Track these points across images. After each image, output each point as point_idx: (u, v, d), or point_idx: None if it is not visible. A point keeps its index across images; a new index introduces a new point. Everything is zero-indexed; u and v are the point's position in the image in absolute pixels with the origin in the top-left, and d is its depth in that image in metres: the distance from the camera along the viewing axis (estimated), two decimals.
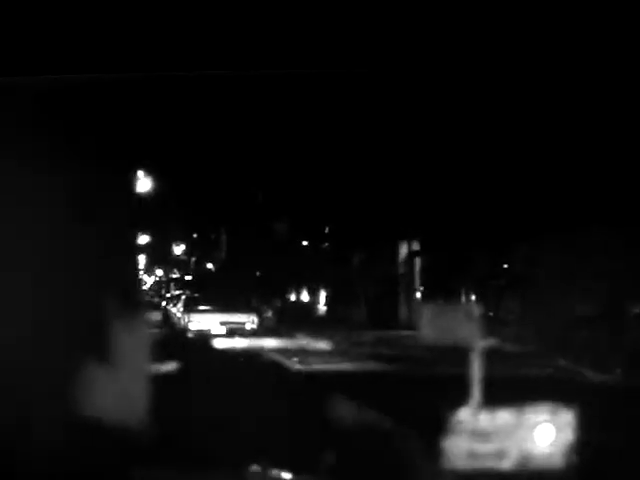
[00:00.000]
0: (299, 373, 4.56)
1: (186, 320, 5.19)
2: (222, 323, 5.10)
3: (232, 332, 5.06)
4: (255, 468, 3.88)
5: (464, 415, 3.94)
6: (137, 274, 4.92)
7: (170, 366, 4.24)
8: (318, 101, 4.01)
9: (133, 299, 4.53)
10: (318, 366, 4.56)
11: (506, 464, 3.92)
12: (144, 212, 4.85)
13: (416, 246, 4.95)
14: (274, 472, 3.90)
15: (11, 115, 3.68)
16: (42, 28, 3.37)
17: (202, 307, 5.23)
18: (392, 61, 3.52)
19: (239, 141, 4.40)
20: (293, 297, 5.20)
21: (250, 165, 4.59)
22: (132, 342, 4.10)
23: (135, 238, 4.83)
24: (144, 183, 4.66)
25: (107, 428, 3.79)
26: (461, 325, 4.16)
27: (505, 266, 4.79)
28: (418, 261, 4.91)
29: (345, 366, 4.53)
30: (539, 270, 4.63)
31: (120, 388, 3.88)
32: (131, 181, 4.42)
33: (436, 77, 3.69)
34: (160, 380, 4.15)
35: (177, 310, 5.31)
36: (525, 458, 3.94)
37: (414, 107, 4.06)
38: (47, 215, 3.77)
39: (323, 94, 3.91)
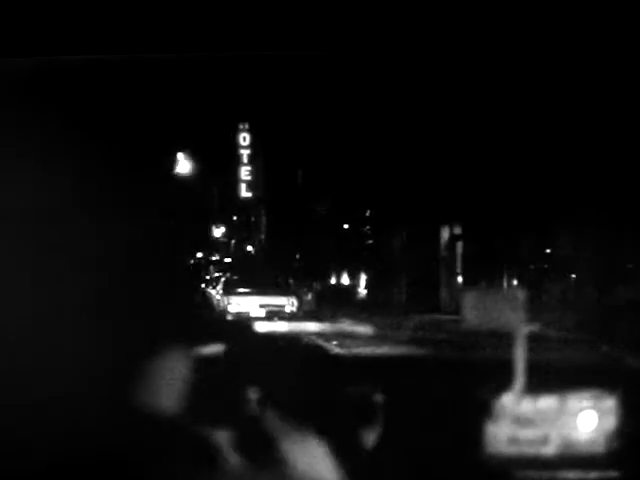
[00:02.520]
0: (337, 356, 4.55)
1: (225, 302, 5.19)
2: (261, 306, 5.09)
3: (271, 315, 5.05)
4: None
5: (506, 400, 3.92)
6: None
7: (212, 349, 4.24)
8: (359, 81, 3.99)
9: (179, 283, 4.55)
10: (358, 350, 4.54)
11: (548, 450, 3.90)
12: (183, 195, 4.85)
13: (458, 230, 4.92)
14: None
15: (38, 95, 3.69)
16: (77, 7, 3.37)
17: (241, 289, 5.23)
18: (433, 44, 3.49)
19: (279, 121, 4.39)
20: (333, 280, 5.18)
21: (290, 146, 4.58)
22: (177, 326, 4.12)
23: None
24: (184, 165, 4.65)
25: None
26: (504, 310, 4.13)
27: (548, 250, 4.75)
28: (460, 245, 4.88)
29: (386, 350, 4.51)
30: (582, 254, 4.59)
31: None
32: (168, 163, 4.43)
33: (476, 57, 3.66)
34: (203, 362, 4.16)
35: (216, 292, 5.32)
36: (567, 444, 3.92)
37: (455, 88, 4.03)
38: (79, 202, 3.78)
39: (364, 74, 3.89)
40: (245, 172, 5.02)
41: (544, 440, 3.91)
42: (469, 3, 3.23)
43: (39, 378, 3.63)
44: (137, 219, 3.88)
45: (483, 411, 3.91)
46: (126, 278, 3.80)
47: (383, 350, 4.51)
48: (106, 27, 3.34)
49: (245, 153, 4.94)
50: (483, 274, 4.67)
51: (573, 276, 4.71)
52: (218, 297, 5.27)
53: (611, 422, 3.89)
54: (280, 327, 4.91)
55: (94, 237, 3.75)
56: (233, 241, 5.47)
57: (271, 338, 4.76)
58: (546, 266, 4.70)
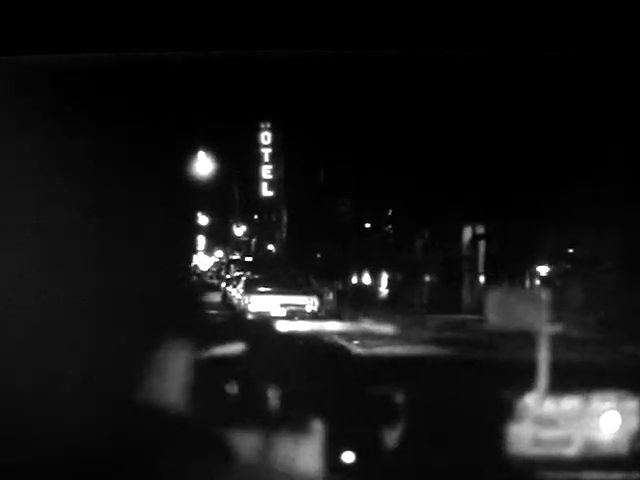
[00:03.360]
0: (359, 356, 4.54)
1: (246, 302, 5.18)
2: (282, 305, 5.08)
3: (292, 314, 5.04)
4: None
5: (529, 401, 3.91)
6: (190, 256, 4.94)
7: (232, 348, 4.24)
8: (382, 81, 3.98)
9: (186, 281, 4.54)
10: (379, 349, 4.53)
11: (571, 451, 3.89)
12: (204, 193, 4.85)
13: (480, 229, 4.89)
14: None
15: (65, 93, 3.70)
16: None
17: (262, 289, 5.21)
18: (458, 47, 3.48)
19: (301, 120, 4.39)
20: (354, 280, 5.16)
21: (312, 145, 4.57)
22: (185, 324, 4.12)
23: (190, 219, 4.84)
24: (205, 165, 4.65)
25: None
26: (527, 310, 4.11)
27: (570, 250, 4.73)
28: (482, 244, 4.86)
29: (407, 350, 4.50)
30: (604, 254, 4.57)
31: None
32: (188, 162, 4.42)
33: (501, 60, 3.66)
34: (222, 362, 4.15)
35: (237, 292, 5.31)
36: (591, 445, 3.90)
37: (477, 90, 4.03)
38: (96, 198, 3.78)
39: (387, 74, 3.88)
40: (266, 171, 5.02)
41: (567, 441, 3.89)
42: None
43: (49, 377, 3.63)
44: (154, 219, 3.88)
45: (506, 411, 3.90)
46: (139, 278, 3.80)
47: (405, 350, 4.50)
48: (131, 27, 3.34)
49: (266, 152, 4.94)
50: (505, 274, 4.65)
51: (594, 276, 4.68)
52: (239, 296, 5.26)
53: (635, 423, 3.87)
54: (301, 327, 4.90)
55: (107, 236, 3.76)
56: (254, 240, 5.46)
57: (292, 337, 4.75)
58: (569, 266, 4.67)
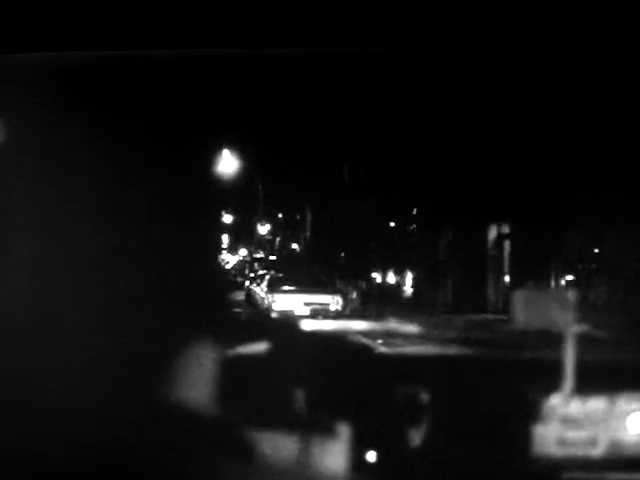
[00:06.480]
0: (383, 355, 4.54)
1: (270, 300, 5.19)
2: (306, 304, 5.08)
3: (316, 313, 5.04)
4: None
5: (555, 401, 3.90)
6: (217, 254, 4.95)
7: (257, 347, 4.24)
8: (410, 79, 3.98)
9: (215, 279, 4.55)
10: (403, 349, 4.53)
11: (597, 452, 3.88)
12: (229, 192, 4.85)
13: (505, 229, 4.88)
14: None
15: (88, 91, 3.71)
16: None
17: (286, 287, 5.22)
18: (482, 42, 3.48)
19: (325, 117, 4.39)
20: (379, 279, 5.16)
21: (336, 143, 4.57)
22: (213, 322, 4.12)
23: (216, 217, 4.85)
24: (230, 163, 4.66)
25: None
26: (553, 310, 4.10)
27: (596, 250, 4.71)
28: (507, 244, 4.85)
29: (432, 349, 4.49)
30: (631, 254, 4.55)
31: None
32: (213, 160, 4.44)
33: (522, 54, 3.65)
34: (247, 360, 4.16)
35: (261, 290, 5.31)
36: (616, 446, 3.89)
37: (500, 85, 4.02)
38: (121, 196, 3.80)
39: (415, 72, 3.88)
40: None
41: (592, 442, 3.88)
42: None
43: (74, 376, 3.65)
44: (176, 218, 3.90)
45: (531, 412, 3.89)
46: (164, 276, 3.81)
47: (429, 349, 4.49)
48: (154, 25, 3.35)
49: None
50: (531, 274, 4.64)
51: (619, 277, 4.67)
52: (263, 295, 5.27)
53: None
54: (325, 325, 4.90)
55: (129, 237, 3.77)
56: (278, 239, 5.47)
57: (316, 337, 4.75)
58: (594, 266, 4.65)
